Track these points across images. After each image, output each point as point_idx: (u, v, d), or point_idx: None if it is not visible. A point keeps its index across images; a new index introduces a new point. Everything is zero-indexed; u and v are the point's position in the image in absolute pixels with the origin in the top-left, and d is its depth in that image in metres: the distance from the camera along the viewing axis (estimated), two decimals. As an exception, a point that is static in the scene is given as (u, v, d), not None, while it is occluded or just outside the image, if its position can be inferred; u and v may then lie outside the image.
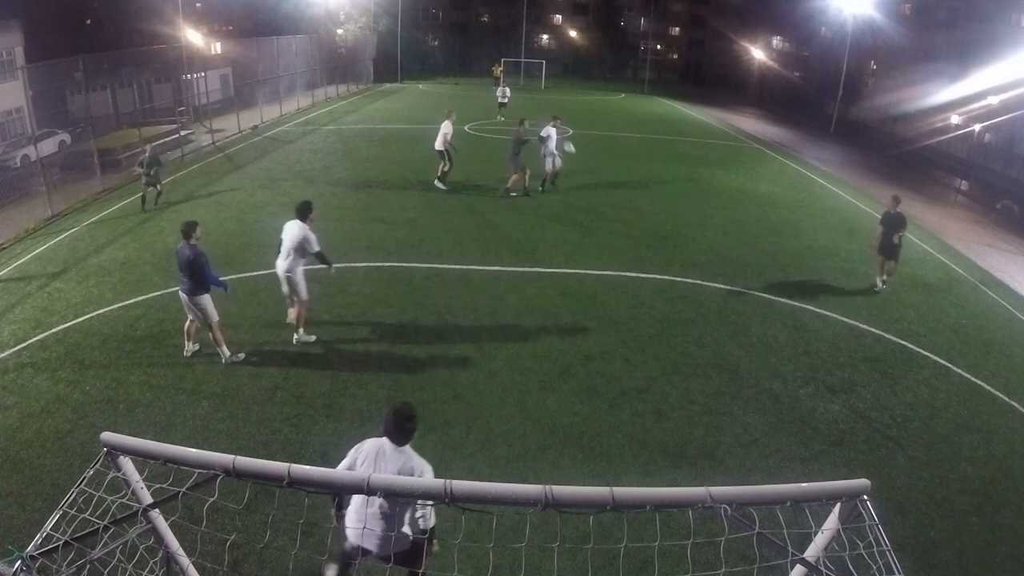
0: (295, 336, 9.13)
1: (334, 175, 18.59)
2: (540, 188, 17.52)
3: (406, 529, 4.19)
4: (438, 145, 17.38)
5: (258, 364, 8.59)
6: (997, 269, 15.04)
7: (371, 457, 4.25)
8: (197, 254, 8.04)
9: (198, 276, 8.12)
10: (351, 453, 4.36)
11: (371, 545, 4.33)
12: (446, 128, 17.29)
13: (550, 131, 16.82)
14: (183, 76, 26.04)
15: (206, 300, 8.28)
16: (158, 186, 15.33)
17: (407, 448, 4.25)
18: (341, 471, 3.78)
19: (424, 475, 4.14)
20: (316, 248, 8.86)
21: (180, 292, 8.34)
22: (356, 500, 4.32)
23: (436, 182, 17.57)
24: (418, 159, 21.03)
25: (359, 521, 4.25)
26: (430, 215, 15.22)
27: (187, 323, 8.71)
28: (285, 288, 9.06)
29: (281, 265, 8.88)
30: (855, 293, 12.08)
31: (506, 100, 31.58)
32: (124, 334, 9.24)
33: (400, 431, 4.24)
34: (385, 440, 4.28)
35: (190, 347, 8.76)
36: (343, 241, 13.17)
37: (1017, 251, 17.66)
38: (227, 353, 8.59)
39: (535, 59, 57.06)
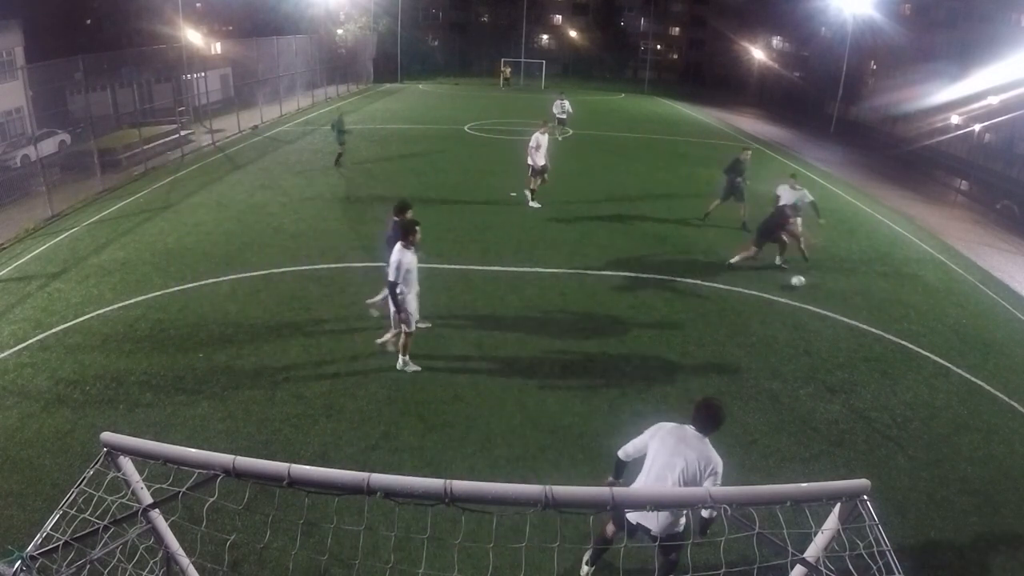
0: (399, 362, 8.48)
1: (333, 175, 18.59)
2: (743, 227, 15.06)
3: (703, 513, 4.43)
4: (541, 160, 15.90)
5: (258, 364, 8.58)
6: (997, 269, 15.03)
7: (671, 439, 4.62)
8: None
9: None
10: (650, 430, 4.80)
11: (650, 524, 4.66)
12: (542, 141, 15.85)
13: (785, 191, 13.28)
14: (183, 76, 26.06)
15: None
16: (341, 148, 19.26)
17: (707, 439, 4.60)
18: (340, 471, 3.78)
19: (717, 468, 4.48)
20: (391, 276, 7.86)
21: None
22: (652, 476, 4.62)
23: (531, 202, 16.19)
24: (417, 159, 21.05)
25: None
26: (429, 216, 15.19)
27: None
28: (384, 311, 8.48)
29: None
30: (855, 293, 12.08)
31: (565, 115, 26.28)
32: (124, 334, 9.24)
33: (709, 420, 4.59)
34: (689, 427, 4.66)
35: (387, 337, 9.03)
36: (342, 241, 13.18)
37: (1017, 251, 17.65)
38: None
39: (535, 59, 57.09)
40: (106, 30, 47.72)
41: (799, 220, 13.03)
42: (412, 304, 8.20)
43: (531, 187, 16.26)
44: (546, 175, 16.37)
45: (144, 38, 41.44)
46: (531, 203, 16.18)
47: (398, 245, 7.85)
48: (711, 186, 20.04)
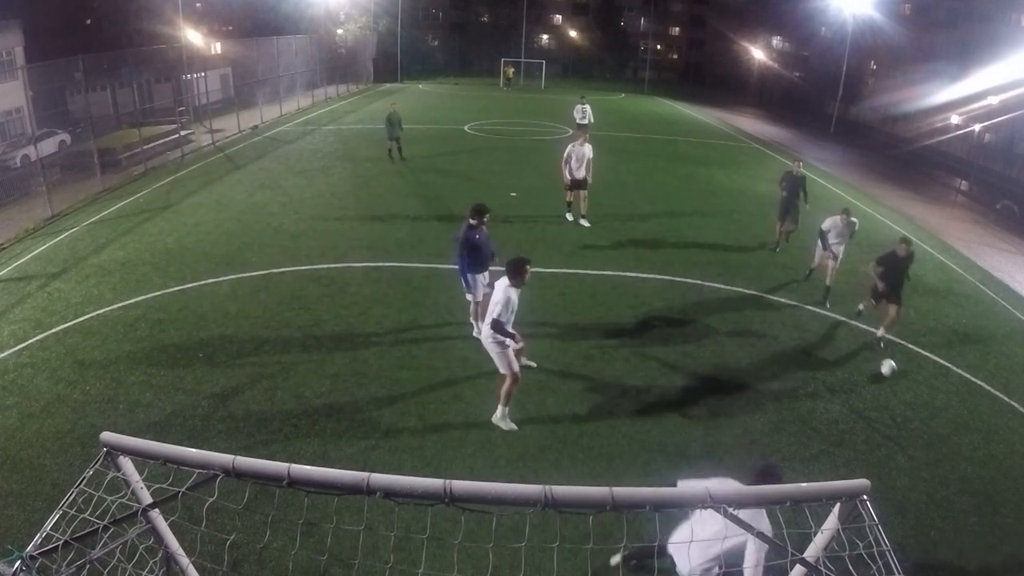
0: (497, 413, 7.56)
1: (334, 175, 18.59)
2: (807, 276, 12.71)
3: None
4: (580, 172, 14.37)
5: (258, 364, 8.58)
6: (997, 269, 15.04)
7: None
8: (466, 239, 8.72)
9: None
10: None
11: (682, 563, 4.41)
12: (576, 152, 14.31)
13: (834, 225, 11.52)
14: (183, 76, 26.06)
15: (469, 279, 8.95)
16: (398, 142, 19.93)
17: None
18: (340, 471, 3.77)
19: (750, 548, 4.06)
20: (498, 315, 7.02)
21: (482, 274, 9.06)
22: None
23: (582, 220, 14.84)
24: (417, 159, 21.04)
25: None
26: (429, 215, 15.22)
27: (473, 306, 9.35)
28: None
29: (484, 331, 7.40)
30: (855, 293, 12.06)
31: (586, 121, 24.86)
32: (124, 334, 9.24)
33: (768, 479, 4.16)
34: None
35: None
36: (342, 241, 13.18)
37: (1017, 251, 17.66)
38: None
39: (535, 59, 57.09)
40: (106, 30, 47.67)
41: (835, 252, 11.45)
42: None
43: (567, 199, 15.03)
44: (583, 191, 14.62)
45: (144, 38, 41.41)
46: (567, 215, 15.09)
47: (505, 282, 7.02)
48: (711, 185, 20.10)
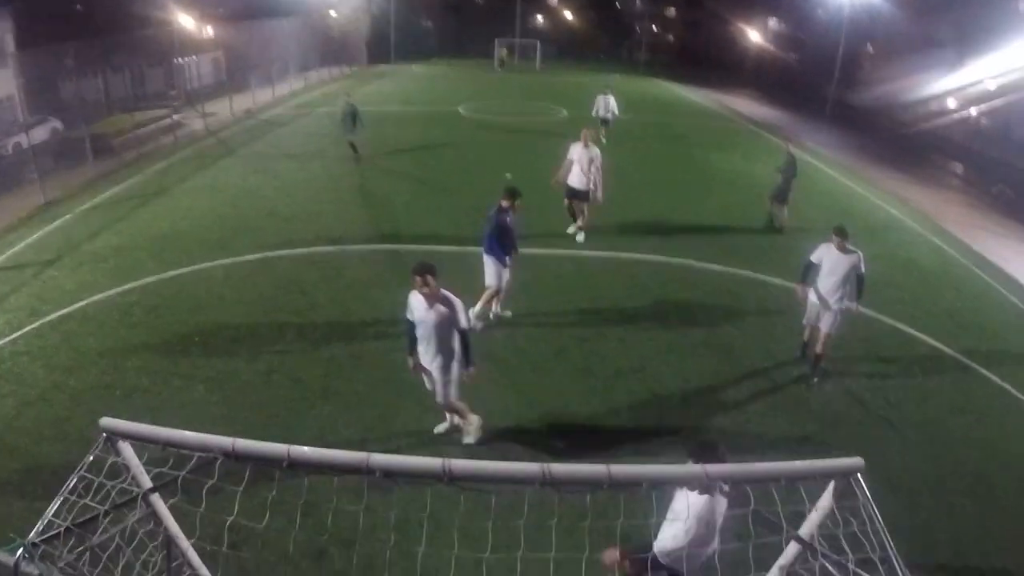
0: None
1: (328, 158, 18.47)
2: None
3: None
4: (575, 181, 12.27)
5: (254, 348, 8.59)
6: (992, 253, 15.07)
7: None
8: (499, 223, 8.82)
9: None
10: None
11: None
12: (591, 155, 12.05)
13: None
14: (175, 60, 25.82)
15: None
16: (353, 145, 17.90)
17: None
18: (340, 451, 3.81)
19: None
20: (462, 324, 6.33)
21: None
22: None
23: (579, 234, 12.85)
24: (411, 141, 20.94)
25: None
26: (424, 197, 15.17)
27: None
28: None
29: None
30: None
31: (610, 115, 21.92)
32: (119, 320, 9.22)
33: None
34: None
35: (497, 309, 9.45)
36: (338, 224, 13.14)
37: (1012, 235, 17.70)
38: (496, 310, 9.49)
39: (530, 40, 56.62)
40: (97, 15, 47.03)
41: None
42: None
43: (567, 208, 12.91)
44: (584, 206, 12.56)
45: (135, 22, 40.90)
46: (568, 230, 12.98)
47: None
48: (707, 167, 20.06)
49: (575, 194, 12.43)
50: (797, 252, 12.72)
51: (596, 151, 12.13)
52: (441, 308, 6.11)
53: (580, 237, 12.77)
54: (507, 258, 9.05)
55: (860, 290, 8.18)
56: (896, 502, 6.43)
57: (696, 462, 3.77)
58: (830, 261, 8.08)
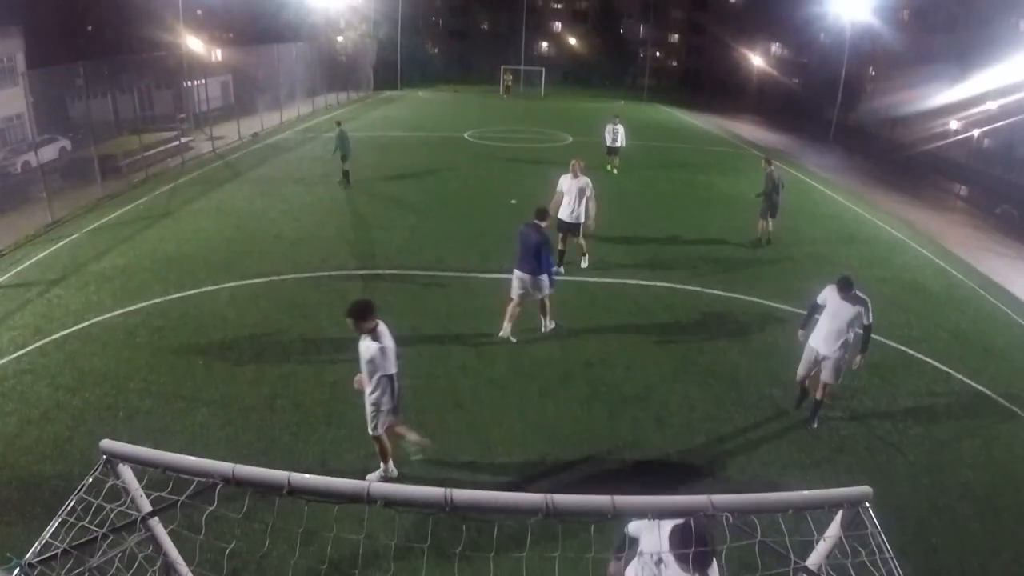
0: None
1: (333, 182, 18.60)
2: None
3: None
4: (569, 212, 11.72)
5: (257, 371, 8.57)
6: (997, 274, 15.04)
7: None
8: (545, 238, 9.08)
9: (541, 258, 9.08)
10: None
11: None
12: (580, 184, 11.62)
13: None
14: (184, 83, 26.13)
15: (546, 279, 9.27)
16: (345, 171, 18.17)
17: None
18: (341, 480, 3.77)
19: None
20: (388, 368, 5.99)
21: (520, 273, 9.27)
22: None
23: (583, 260, 12.52)
24: (418, 166, 21.08)
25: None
26: (429, 222, 15.23)
27: (512, 305, 9.48)
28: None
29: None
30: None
31: (618, 144, 21.41)
32: (123, 341, 9.23)
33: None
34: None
35: (508, 328, 9.57)
36: (343, 248, 13.18)
37: (1017, 256, 17.67)
38: (551, 325, 9.88)
39: (535, 66, 57.23)
40: (107, 36, 47.73)
41: None
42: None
43: (559, 247, 11.99)
44: (580, 239, 12.13)
45: (145, 45, 41.50)
46: (582, 264, 12.49)
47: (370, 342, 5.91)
48: (710, 192, 20.12)
49: (567, 228, 11.93)
50: (802, 277, 12.79)
51: (586, 180, 11.69)
52: (368, 344, 5.89)
53: (584, 263, 12.56)
54: (552, 272, 9.44)
55: (866, 342, 7.59)
56: (904, 528, 6.34)
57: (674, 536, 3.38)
58: (833, 305, 7.53)
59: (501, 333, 9.58)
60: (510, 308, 9.51)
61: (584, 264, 12.58)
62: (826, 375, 7.70)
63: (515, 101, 46.88)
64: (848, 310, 7.40)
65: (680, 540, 3.27)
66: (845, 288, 7.39)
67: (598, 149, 21.87)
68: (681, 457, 7.30)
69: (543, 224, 9.15)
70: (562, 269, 11.93)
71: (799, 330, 8.14)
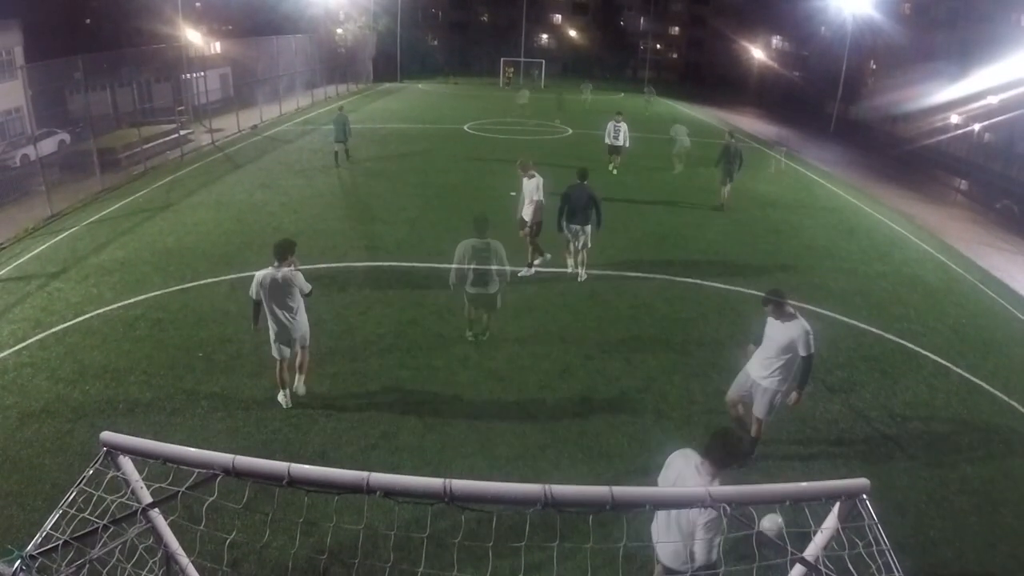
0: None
1: (333, 174, 18.58)
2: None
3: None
4: (530, 214, 11.65)
5: (258, 364, 8.57)
6: (997, 269, 15.04)
7: (679, 472, 4.55)
8: (594, 193, 11.09)
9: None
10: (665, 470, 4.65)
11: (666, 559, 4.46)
12: (536, 183, 11.56)
13: None
14: (182, 76, 26.05)
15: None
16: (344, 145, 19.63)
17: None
18: (340, 470, 3.79)
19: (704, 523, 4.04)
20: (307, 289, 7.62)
21: (574, 225, 11.12)
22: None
23: (526, 270, 11.80)
24: (417, 158, 21.04)
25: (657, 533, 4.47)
26: (429, 215, 15.22)
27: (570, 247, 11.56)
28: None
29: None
30: (855, 292, 12.08)
31: (620, 142, 20.62)
32: (123, 334, 9.23)
33: (725, 455, 4.36)
34: (697, 459, 4.50)
35: (571, 263, 11.88)
36: (342, 241, 13.18)
37: (1017, 251, 17.66)
38: (584, 276, 11.73)
39: (535, 59, 57.08)
40: (105, 29, 47.59)
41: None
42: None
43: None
44: (527, 231, 11.85)
45: (144, 37, 41.35)
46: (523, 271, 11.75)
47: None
48: (710, 185, 20.02)
49: (525, 226, 11.81)
50: (802, 270, 12.79)
51: (538, 179, 11.53)
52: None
53: (526, 270, 11.73)
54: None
55: (804, 376, 6.28)
56: (902, 521, 6.36)
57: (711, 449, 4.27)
58: (769, 325, 6.39)
59: (569, 269, 11.81)
60: (570, 247, 11.67)
61: (527, 272, 11.75)
62: (757, 408, 6.64)
63: (515, 93, 46.74)
64: (783, 333, 6.24)
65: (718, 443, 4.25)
66: (777, 308, 6.21)
67: (597, 139, 21.83)
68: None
69: (585, 182, 10.97)
70: (532, 270, 11.84)
71: (749, 345, 7.01)
